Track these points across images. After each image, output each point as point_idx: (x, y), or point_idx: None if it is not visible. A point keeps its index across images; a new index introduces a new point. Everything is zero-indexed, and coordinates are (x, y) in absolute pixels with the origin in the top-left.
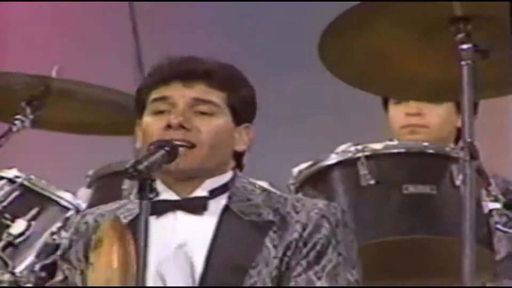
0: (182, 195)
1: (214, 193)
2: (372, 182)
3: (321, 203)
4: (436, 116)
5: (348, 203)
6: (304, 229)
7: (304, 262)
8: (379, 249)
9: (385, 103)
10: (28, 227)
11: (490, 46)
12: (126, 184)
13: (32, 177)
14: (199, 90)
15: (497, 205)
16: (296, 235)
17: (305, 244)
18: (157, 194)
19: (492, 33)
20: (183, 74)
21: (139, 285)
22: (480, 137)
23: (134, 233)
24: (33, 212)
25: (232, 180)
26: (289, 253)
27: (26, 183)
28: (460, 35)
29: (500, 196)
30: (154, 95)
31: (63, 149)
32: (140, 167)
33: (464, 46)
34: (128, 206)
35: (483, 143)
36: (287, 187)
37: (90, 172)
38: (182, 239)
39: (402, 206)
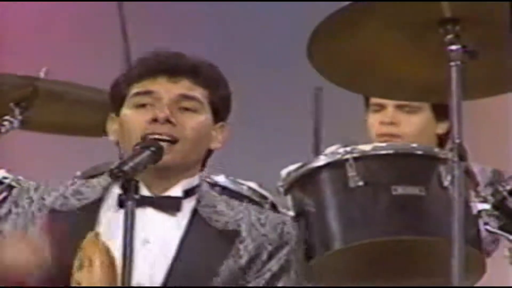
0: (154, 192)
1: (187, 193)
2: (360, 183)
3: (284, 218)
4: (410, 125)
5: (337, 205)
6: (270, 243)
7: (267, 276)
8: (368, 250)
9: (366, 110)
10: None
11: (479, 47)
12: (94, 183)
13: (21, 178)
14: (184, 86)
15: (486, 206)
16: (261, 248)
17: (270, 258)
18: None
19: (481, 34)
20: (169, 69)
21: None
22: (480, 137)
23: (89, 219)
24: None
25: (200, 183)
26: (252, 264)
27: (14, 184)
28: (449, 36)
29: (489, 197)
30: (137, 88)
31: (51, 150)
32: (125, 168)
33: (453, 47)
34: (80, 188)
35: (483, 143)
36: (276, 189)
37: (78, 173)
38: (145, 236)
39: (391, 207)
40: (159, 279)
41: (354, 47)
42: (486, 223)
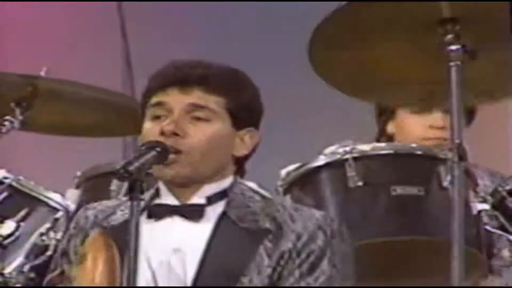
0: (181, 200)
1: (212, 199)
2: (360, 183)
3: (318, 213)
4: None
5: (336, 205)
6: (298, 238)
7: (297, 273)
8: (367, 251)
9: (389, 110)
10: (17, 228)
11: (479, 47)
12: (114, 185)
13: (21, 178)
14: (196, 96)
15: (486, 206)
16: (290, 244)
17: (298, 254)
18: (160, 196)
19: (481, 34)
20: (180, 80)
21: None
22: (480, 137)
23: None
24: (22, 213)
25: (232, 186)
26: (282, 262)
27: (15, 184)
28: (449, 36)
29: (489, 197)
30: (152, 100)
31: (51, 150)
32: (131, 168)
33: (453, 47)
34: (128, 203)
35: (483, 143)
36: (275, 188)
37: (79, 173)
38: (177, 244)
39: (390, 207)
40: (191, 283)
41: (354, 47)
42: (486, 223)
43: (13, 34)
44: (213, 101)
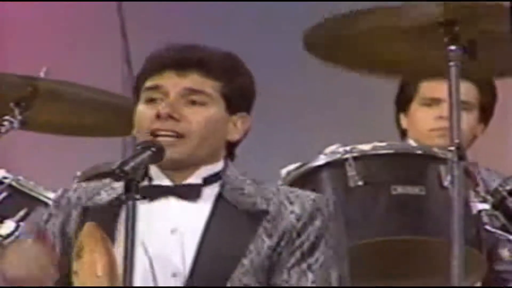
0: (175, 182)
1: (208, 180)
2: (360, 183)
3: (314, 195)
4: (465, 122)
5: (336, 204)
6: (298, 219)
7: (298, 253)
8: (367, 250)
9: (405, 103)
10: (17, 228)
11: (478, 47)
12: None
13: (21, 178)
14: (192, 79)
15: (486, 206)
16: (289, 225)
17: (298, 235)
18: (150, 178)
19: (481, 34)
20: (177, 63)
21: (127, 283)
22: (480, 137)
23: (114, 212)
24: (22, 213)
25: (224, 169)
26: (282, 243)
27: (14, 184)
28: (448, 37)
29: (489, 197)
30: (148, 83)
31: (51, 150)
32: (127, 168)
33: (452, 47)
34: (114, 184)
35: (483, 143)
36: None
37: (78, 173)
38: (174, 225)
39: (390, 207)
40: (190, 265)
41: (353, 48)
42: (485, 223)
43: (13, 34)
44: (209, 85)
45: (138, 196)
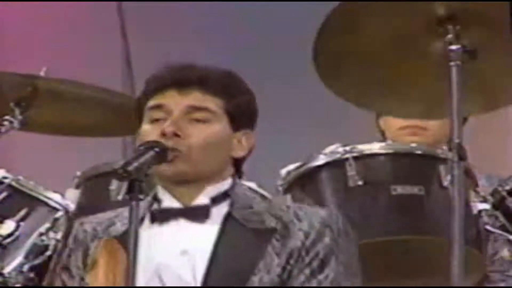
0: (184, 202)
1: (216, 200)
2: (360, 183)
3: (323, 211)
4: (433, 124)
5: (336, 204)
6: (306, 237)
7: (307, 271)
8: (367, 250)
9: None
10: (17, 228)
11: (479, 46)
12: (114, 185)
13: (21, 178)
14: (194, 97)
15: (486, 206)
16: (298, 243)
17: (307, 253)
18: (159, 201)
19: (481, 34)
20: (178, 81)
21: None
22: (480, 137)
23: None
24: (22, 213)
25: (232, 187)
26: (291, 261)
27: (14, 184)
28: (449, 36)
29: (489, 197)
30: (150, 103)
31: (51, 150)
32: (130, 168)
33: (453, 47)
34: (125, 213)
35: (483, 142)
36: (275, 188)
37: (78, 173)
38: (184, 247)
39: (390, 207)
40: (200, 285)
41: (354, 47)
42: (486, 223)
43: (13, 34)
44: (212, 103)
45: (141, 196)
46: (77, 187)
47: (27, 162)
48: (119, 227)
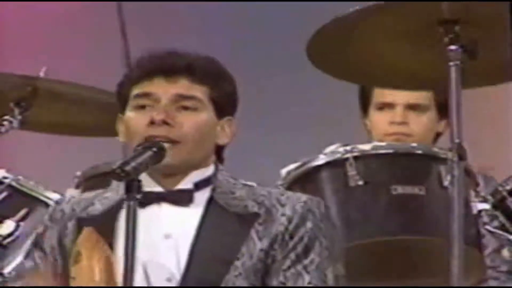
0: (165, 187)
1: (199, 185)
2: (360, 182)
3: (305, 196)
4: (420, 124)
5: (337, 204)
6: (289, 221)
7: (292, 255)
8: (367, 250)
9: (364, 106)
10: (17, 228)
11: (478, 47)
12: (114, 185)
13: (20, 178)
14: (182, 85)
15: (486, 206)
16: (281, 227)
17: (291, 237)
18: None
19: (481, 34)
20: (166, 69)
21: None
22: (480, 138)
23: (109, 222)
24: (22, 213)
25: (215, 173)
26: (275, 246)
27: (14, 184)
28: (448, 36)
29: (489, 197)
30: (137, 90)
31: (51, 150)
32: (128, 168)
33: (452, 47)
34: (106, 194)
35: (483, 141)
36: (276, 188)
37: (78, 173)
38: (167, 231)
39: (391, 206)
40: (183, 270)
41: (354, 49)
42: (485, 223)
43: (13, 34)
44: (199, 91)
45: (139, 196)
46: (77, 187)
47: (27, 162)
48: (98, 206)
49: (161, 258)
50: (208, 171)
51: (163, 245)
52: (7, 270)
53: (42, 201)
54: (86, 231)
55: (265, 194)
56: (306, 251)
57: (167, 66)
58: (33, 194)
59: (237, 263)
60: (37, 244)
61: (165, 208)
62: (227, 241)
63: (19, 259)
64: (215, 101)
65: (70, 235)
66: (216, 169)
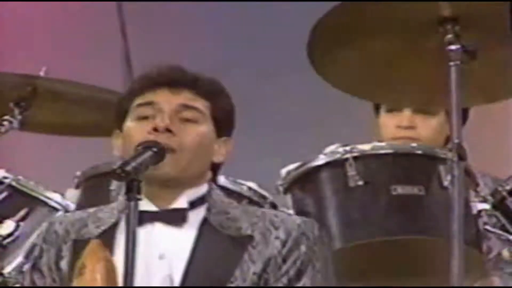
0: (160, 206)
1: (193, 204)
2: (360, 183)
3: (299, 219)
4: (428, 129)
5: (336, 204)
6: (283, 245)
7: (284, 279)
8: (367, 250)
9: (377, 107)
10: (17, 228)
11: (478, 46)
12: (114, 185)
13: (21, 178)
14: (185, 97)
15: (486, 206)
16: (275, 251)
17: (284, 261)
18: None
19: (481, 34)
20: (170, 80)
21: None
22: (480, 138)
23: (108, 244)
24: (22, 213)
25: (209, 192)
26: (268, 269)
27: (14, 184)
28: (449, 36)
29: (489, 197)
30: (139, 100)
31: (51, 150)
32: (128, 168)
33: (453, 47)
34: (99, 214)
35: (484, 143)
36: (275, 188)
37: (78, 173)
38: (161, 251)
39: (390, 207)
40: None
41: (353, 47)
42: (485, 223)
43: (13, 34)
44: (202, 104)
45: (139, 197)
46: (77, 187)
47: (27, 162)
48: (93, 229)
49: (156, 279)
50: (203, 189)
51: (157, 266)
52: (7, 270)
53: (42, 201)
54: (92, 243)
55: (259, 215)
56: (299, 275)
57: (171, 77)
58: (33, 194)
59: (231, 286)
60: (34, 266)
61: (159, 228)
62: (221, 264)
63: (19, 259)
64: (215, 118)
65: (66, 258)
66: (210, 188)
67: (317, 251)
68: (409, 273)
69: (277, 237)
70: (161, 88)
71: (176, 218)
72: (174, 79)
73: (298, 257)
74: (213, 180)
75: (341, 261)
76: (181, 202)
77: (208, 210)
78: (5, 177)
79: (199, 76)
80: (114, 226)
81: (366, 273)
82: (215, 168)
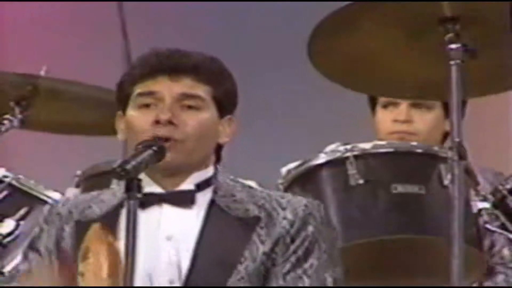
0: (167, 188)
1: (200, 186)
2: (360, 181)
3: (305, 200)
4: (424, 123)
5: (337, 203)
6: (291, 225)
7: (293, 259)
8: (367, 249)
9: (372, 105)
10: (17, 227)
11: (479, 45)
12: (114, 184)
13: (21, 176)
14: (186, 84)
15: (486, 205)
16: (283, 231)
17: (292, 241)
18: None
19: (481, 33)
20: (170, 68)
21: (128, 283)
22: (480, 137)
23: (110, 225)
24: (22, 212)
25: (215, 174)
26: (277, 249)
27: (14, 183)
28: (449, 35)
29: (489, 196)
30: (140, 89)
31: (51, 149)
32: (128, 166)
33: (453, 46)
34: (102, 196)
35: (484, 140)
36: (276, 186)
37: (78, 172)
38: (169, 232)
39: (391, 205)
40: (186, 273)
41: (353, 46)
42: (486, 222)
43: (13, 34)
44: (203, 90)
45: (139, 195)
46: (77, 186)
47: (27, 161)
48: (96, 210)
49: (163, 260)
50: (209, 172)
51: (165, 247)
52: (7, 269)
53: (42, 200)
54: (95, 226)
55: (265, 197)
56: (307, 254)
57: (171, 65)
58: (33, 193)
59: (240, 267)
60: (32, 246)
61: (166, 210)
62: (229, 245)
63: (19, 258)
64: (217, 100)
65: (68, 238)
66: (216, 170)
67: (323, 231)
68: (409, 273)
69: (284, 217)
70: (161, 76)
71: (184, 199)
72: (175, 66)
73: (306, 236)
74: (217, 160)
75: (342, 259)
76: (188, 184)
77: (215, 192)
78: (5, 176)
79: (200, 59)
80: (118, 207)
81: (365, 272)
82: (218, 149)
